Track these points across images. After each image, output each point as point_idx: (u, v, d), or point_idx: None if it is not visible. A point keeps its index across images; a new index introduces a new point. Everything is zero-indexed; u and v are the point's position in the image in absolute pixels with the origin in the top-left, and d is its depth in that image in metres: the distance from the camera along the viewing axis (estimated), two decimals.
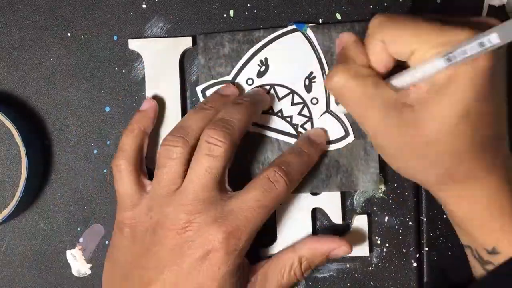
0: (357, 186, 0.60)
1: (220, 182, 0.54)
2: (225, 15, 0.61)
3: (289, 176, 0.55)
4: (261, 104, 0.59)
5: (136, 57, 0.61)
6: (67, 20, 0.61)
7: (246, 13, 0.61)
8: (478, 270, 0.55)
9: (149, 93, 0.60)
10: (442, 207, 0.60)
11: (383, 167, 0.60)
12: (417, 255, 0.61)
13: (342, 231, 0.61)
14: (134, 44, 0.60)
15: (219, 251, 0.53)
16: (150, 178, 0.57)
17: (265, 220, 0.55)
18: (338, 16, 0.61)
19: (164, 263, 0.53)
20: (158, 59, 0.60)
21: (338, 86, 0.51)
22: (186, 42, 0.60)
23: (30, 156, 0.57)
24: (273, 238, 0.60)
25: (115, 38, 0.61)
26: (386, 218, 0.61)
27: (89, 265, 0.61)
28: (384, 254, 0.61)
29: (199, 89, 0.59)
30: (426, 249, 0.61)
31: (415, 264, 0.61)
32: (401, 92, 0.50)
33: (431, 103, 0.49)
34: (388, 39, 0.50)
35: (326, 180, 0.59)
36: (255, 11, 0.61)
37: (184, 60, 0.61)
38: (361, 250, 0.60)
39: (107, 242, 0.61)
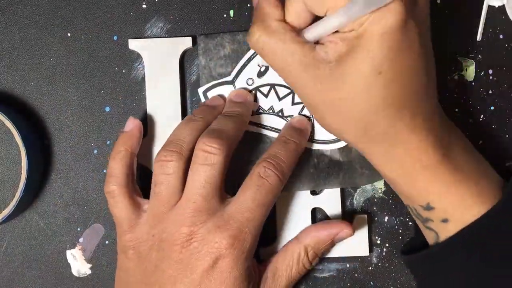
0: (359, 182, 0.60)
1: (219, 190, 0.54)
2: (225, 15, 0.61)
3: (280, 168, 0.55)
4: (249, 112, 0.59)
5: (136, 57, 0.61)
6: (67, 20, 0.61)
7: (246, 13, 0.61)
8: (422, 229, 0.55)
9: (149, 93, 0.60)
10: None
11: None
12: None
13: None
14: (134, 44, 0.60)
15: (227, 257, 0.53)
16: (145, 175, 0.57)
17: (267, 216, 0.55)
18: None
19: (175, 277, 0.53)
20: (158, 59, 0.60)
21: (258, 44, 0.52)
22: (186, 42, 0.60)
23: (30, 156, 0.57)
24: (273, 238, 0.60)
25: (115, 38, 0.61)
26: (386, 218, 0.61)
27: (89, 265, 0.61)
28: (384, 254, 0.61)
29: (200, 90, 0.59)
30: None
31: None
32: (320, 48, 0.50)
33: (346, 60, 0.49)
34: None
35: (328, 177, 0.59)
36: None
37: (184, 60, 0.61)
38: (361, 250, 0.60)
39: (107, 242, 0.61)
